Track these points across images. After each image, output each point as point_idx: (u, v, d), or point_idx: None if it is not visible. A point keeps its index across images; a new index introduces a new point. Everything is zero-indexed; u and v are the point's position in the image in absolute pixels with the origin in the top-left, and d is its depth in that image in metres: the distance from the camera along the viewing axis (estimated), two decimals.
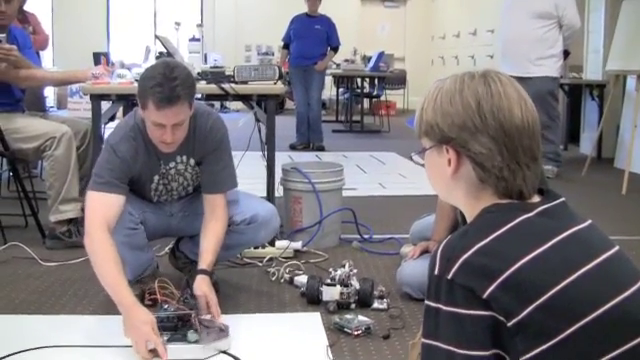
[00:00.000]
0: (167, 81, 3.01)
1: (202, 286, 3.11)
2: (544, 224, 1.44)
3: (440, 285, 1.38)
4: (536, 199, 1.51)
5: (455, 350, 1.36)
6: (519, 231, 1.41)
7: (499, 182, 1.48)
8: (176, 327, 2.91)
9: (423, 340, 1.43)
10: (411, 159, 1.71)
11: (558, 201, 1.51)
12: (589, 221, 1.51)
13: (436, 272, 1.39)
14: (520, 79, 5.54)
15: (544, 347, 1.34)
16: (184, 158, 3.42)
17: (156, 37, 4.96)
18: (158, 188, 3.45)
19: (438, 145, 1.54)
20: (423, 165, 1.64)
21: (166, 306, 2.99)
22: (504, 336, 1.34)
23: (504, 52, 7.42)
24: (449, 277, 1.37)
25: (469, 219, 1.54)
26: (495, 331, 1.34)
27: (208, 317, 3.02)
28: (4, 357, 2.87)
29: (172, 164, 3.40)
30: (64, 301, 3.57)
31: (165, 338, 2.88)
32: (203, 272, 3.18)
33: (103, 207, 3.16)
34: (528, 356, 1.34)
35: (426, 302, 1.42)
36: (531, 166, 1.49)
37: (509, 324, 1.34)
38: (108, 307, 3.43)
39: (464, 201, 1.56)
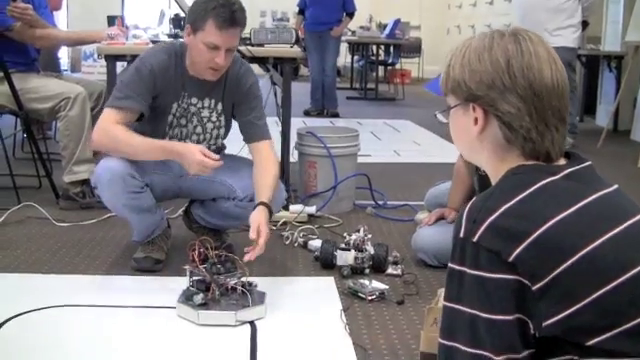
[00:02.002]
0: (228, 4, 3.16)
1: (259, 217, 3.10)
2: (571, 187, 1.41)
3: (465, 248, 1.35)
4: (562, 162, 1.48)
5: (478, 314, 1.33)
6: (545, 193, 1.38)
7: (526, 143, 1.44)
8: (208, 289, 2.90)
9: (445, 303, 1.40)
10: (435, 117, 1.67)
11: (585, 164, 1.48)
12: (615, 185, 1.48)
13: (461, 234, 1.36)
14: None
15: (568, 312, 1.31)
16: (212, 102, 3.43)
17: None
18: (173, 123, 3.42)
19: (464, 103, 1.50)
20: (447, 123, 1.61)
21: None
22: (528, 300, 1.32)
23: (521, 21, 7.33)
24: (475, 240, 1.33)
25: (493, 180, 1.50)
26: (519, 295, 1.31)
27: (252, 280, 3.00)
28: (16, 315, 2.87)
29: (194, 100, 3.40)
30: (77, 261, 3.57)
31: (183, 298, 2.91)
32: (263, 204, 3.16)
33: (116, 116, 3.21)
34: (552, 320, 1.31)
35: (450, 265, 1.39)
36: (559, 128, 1.46)
37: (534, 288, 1.31)
38: (120, 268, 3.46)
39: (488, 162, 1.52)
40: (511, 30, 1.48)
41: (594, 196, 1.40)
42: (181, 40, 3.42)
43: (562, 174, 1.42)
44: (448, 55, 1.55)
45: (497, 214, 1.34)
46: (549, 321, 1.32)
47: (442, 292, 2.48)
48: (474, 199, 1.41)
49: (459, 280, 1.36)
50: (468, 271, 1.35)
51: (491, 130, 1.47)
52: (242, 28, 3.26)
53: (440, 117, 1.64)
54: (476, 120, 1.48)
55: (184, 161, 3.18)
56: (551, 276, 1.30)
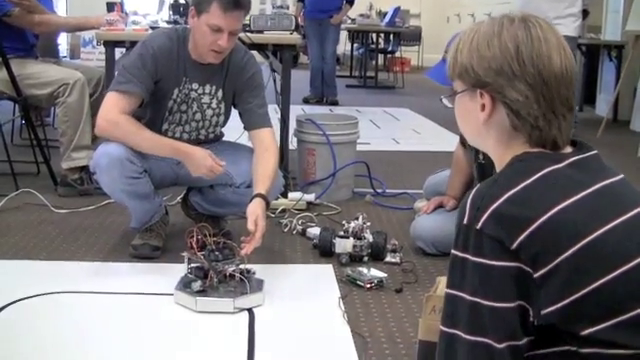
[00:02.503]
0: None
1: (257, 209, 3.08)
2: (575, 175, 1.40)
3: (468, 235, 1.35)
4: (568, 150, 1.47)
5: (480, 301, 1.33)
6: (549, 181, 1.37)
7: (533, 131, 1.43)
8: (206, 276, 2.89)
9: (447, 290, 1.40)
10: (440, 101, 1.66)
11: (590, 153, 1.46)
12: (621, 175, 1.47)
13: (465, 221, 1.36)
14: None
15: (568, 300, 1.31)
16: (213, 89, 3.42)
17: None
18: (173, 108, 3.40)
19: (472, 89, 1.48)
20: (452, 108, 1.60)
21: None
22: (529, 287, 1.31)
23: (522, 10, 7.30)
24: (478, 227, 1.33)
25: (498, 167, 1.50)
26: (521, 282, 1.31)
27: (250, 267, 3.00)
28: (14, 301, 2.87)
29: (195, 86, 3.39)
30: (75, 248, 3.56)
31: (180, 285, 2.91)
32: (260, 196, 3.15)
33: (120, 102, 3.21)
34: (551, 309, 1.31)
35: (453, 251, 1.39)
36: (567, 116, 1.44)
37: (535, 275, 1.30)
38: (118, 255, 3.45)
39: (494, 148, 1.52)
40: (521, 16, 1.46)
41: (598, 185, 1.39)
42: (184, 25, 3.40)
43: (567, 162, 1.41)
44: (456, 40, 1.54)
45: (500, 201, 1.33)
46: (548, 309, 1.31)
47: (441, 280, 2.48)
48: (478, 186, 1.40)
49: (462, 267, 1.36)
50: (471, 258, 1.34)
51: (498, 117, 1.46)
52: (246, 11, 3.27)
53: (446, 102, 1.63)
54: (483, 106, 1.47)
55: (192, 163, 3.21)
56: (553, 264, 1.30)
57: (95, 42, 12.98)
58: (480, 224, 1.33)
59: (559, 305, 1.31)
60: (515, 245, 1.30)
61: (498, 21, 1.47)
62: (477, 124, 1.50)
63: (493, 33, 1.45)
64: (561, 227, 1.31)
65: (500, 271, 1.31)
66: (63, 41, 12.73)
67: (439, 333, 1.41)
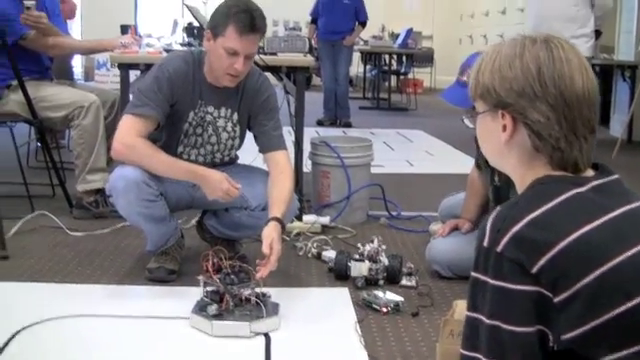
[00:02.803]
0: (250, 10, 3.18)
1: (272, 232, 3.06)
2: (597, 199, 1.39)
3: (489, 257, 1.34)
4: (590, 173, 1.46)
5: (500, 325, 1.32)
6: (571, 205, 1.36)
7: (554, 152, 1.43)
8: (222, 299, 2.88)
9: (467, 313, 1.39)
10: (462, 121, 1.66)
11: (613, 177, 1.45)
12: None
13: (485, 244, 1.35)
14: None
15: (588, 326, 1.29)
16: (228, 112, 3.43)
17: (185, 6, 4.90)
18: (189, 131, 3.40)
19: (493, 110, 1.48)
20: (471, 128, 1.59)
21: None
22: (549, 312, 1.30)
23: (535, 29, 7.30)
24: (498, 250, 1.32)
25: (519, 188, 1.49)
26: (541, 307, 1.30)
27: (265, 291, 2.98)
28: (29, 325, 2.85)
29: (211, 109, 3.39)
30: (90, 271, 3.55)
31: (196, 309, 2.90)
32: (276, 219, 3.13)
33: (137, 125, 3.21)
34: (571, 334, 1.30)
35: (473, 274, 1.38)
36: (588, 138, 1.44)
37: (555, 300, 1.29)
38: (134, 278, 3.45)
39: (515, 169, 1.51)
40: (543, 37, 1.46)
41: (621, 210, 1.38)
42: (200, 48, 3.41)
43: (589, 186, 1.40)
44: (477, 60, 1.54)
45: (521, 224, 1.32)
46: (568, 334, 1.30)
47: (457, 303, 2.46)
48: (499, 208, 1.40)
49: (481, 290, 1.35)
50: (490, 281, 1.33)
51: (519, 137, 1.46)
52: (262, 35, 3.28)
53: (467, 122, 1.63)
54: (505, 127, 1.47)
55: (208, 186, 3.20)
56: (574, 289, 1.29)
57: (109, 65, 13.08)
58: (500, 247, 1.32)
59: (579, 330, 1.29)
60: (535, 269, 1.29)
61: (520, 42, 1.47)
62: (498, 145, 1.50)
63: (515, 54, 1.45)
64: (583, 251, 1.30)
65: (520, 295, 1.30)
66: (77, 63, 12.86)
67: (459, 356, 1.40)
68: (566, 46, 1.45)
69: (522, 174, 1.49)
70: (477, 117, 1.55)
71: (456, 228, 3.62)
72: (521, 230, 1.32)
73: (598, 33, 7.19)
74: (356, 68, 13.76)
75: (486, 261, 1.34)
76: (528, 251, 1.30)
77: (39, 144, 5.94)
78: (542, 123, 1.42)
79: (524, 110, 1.43)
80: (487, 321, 1.33)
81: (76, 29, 13.38)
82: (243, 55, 3.18)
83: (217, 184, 3.17)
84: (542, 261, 1.29)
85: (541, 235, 1.31)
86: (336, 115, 9.90)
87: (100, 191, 4.48)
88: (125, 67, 4.43)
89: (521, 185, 1.48)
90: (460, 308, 2.41)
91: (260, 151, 3.47)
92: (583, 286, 1.29)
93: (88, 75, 13.35)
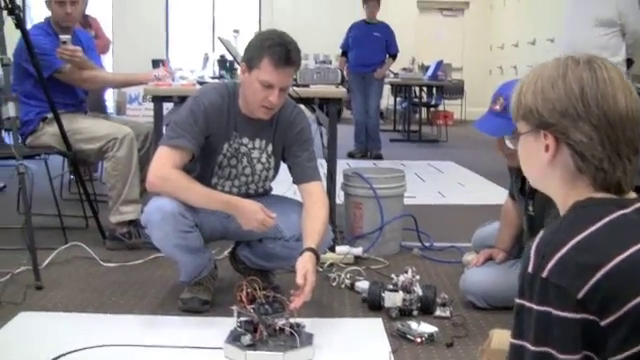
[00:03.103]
0: (285, 43, 3.19)
1: (307, 263, 3.05)
2: None
3: (534, 284, 1.32)
4: (632, 195, 1.45)
5: (546, 352, 1.30)
6: (615, 227, 1.35)
7: (597, 173, 1.42)
8: (255, 329, 2.88)
9: (512, 340, 1.37)
10: (504, 143, 1.66)
11: None
12: None
13: (530, 270, 1.34)
14: None
15: (637, 349, 1.27)
16: (262, 143, 3.44)
17: (219, 39, 4.93)
18: (223, 163, 3.41)
19: (536, 130, 1.48)
20: (514, 150, 1.59)
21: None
22: (596, 337, 1.28)
23: None
24: (543, 275, 1.31)
25: (561, 210, 1.48)
26: (587, 333, 1.28)
27: (299, 321, 2.98)
28: (64, 354, 2.86)
29: (245, 140, 3.40)
30: (123, 301, 3.57)
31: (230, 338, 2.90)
32: (311, 250, 3.12)
33: (172, 157, 3.22)
34: (619, 357, 1.28)
35: (517, 301, 1.36)
36: (632, 159, 1.43)
37: (602, 323, 1.27)
38: (167, 308, 3.45)
39: (558, 190, 1.50)
40: (586, 58, 1.46)
41: None
42: (233, 80, 3.42)
43: (633, 207, 1.39)
44: (518, 82, 1.54)
45: (566, 249, 1.31)
46: (615, 358, 1.28)
47: (494, 333, 2.43)
48: (542, 233, 1.39)
49: (527, 317, 1.34)
50: (535, 307, 1.32)
51: (562, 158, 1.45)
52: (297, 67, 3.29)
53: (509, 143, 1.62)
54: (547, 147, 1.47)
55: (243, 216, 3.20)
56: (620, 312, 1.27)
57: (141, 99, 13.24)
58: (546, 272, 1.31)
59: (626, 354, 1.28)
60: (581, 294, 1.28)
61: (563, 63, 1.47)
62: (541, 165, 1.49)
63: (558, 75, 1.45)
64: (629, 274, 1.29)
65: (566, 322, 1.29)
66: (109, 97, 12.99)
67: None
68: (609, 66, 1.44)
69: (565, 195, 1.48)
70: (519, 138, 1.55)
71: (490, 258, 3.59)
72: (566, 254, 1.30)
73: (630, 62, 7.16)
74: (386, 100, 13.79)
75: (531, 287, 1.33)
76: (573, 276, 1.29)
77: (72, 177, 6.01)
78: (585, 143, 1.41)
79: (567, 130, 1.42)
80: (532, 348, 1.32)
81: (108, 63, 13.51)
82: (278, 88, 3.20)
83: (252, 214, 3.17)
84: (588, 285, 1.27)
85: (586, 259, 1.29)
86: (367, 147, 9.91)
87: (133, 222, 4.50)
88: (159, 100, 4.47)
89: (563, 206, 1.47)
90: (497, 337, 2.39)
91: (294, 182, 3.47)
92: (630, 308, 1.27)
93: (120, 109, 13.49)
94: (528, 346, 1.32)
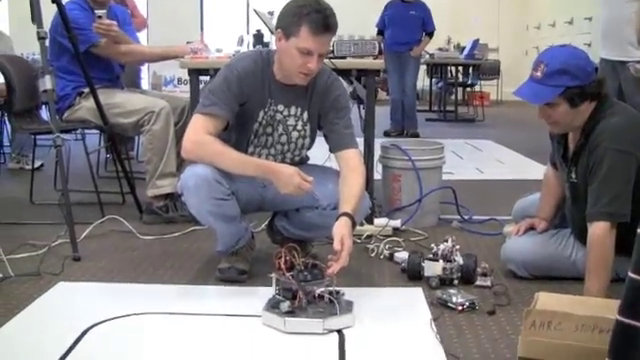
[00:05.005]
0: (322, 9, 3.13)
1: (343, 228, 3.02)
2: None
3: None
4: None
5: None
6: None
7: None
8: (294, 296, 2.85)
9: (620, 318, 1.29)
10: (628, 69, 1.59)
11: None
12: None
13: None
14: (620, 62, 5.27)
15: None
16: (298, 110, 3.39)
17: (254, 11, 4.90)
18: (259, 131, 3.37)
19: None
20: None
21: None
22: None
23: (604, 35, 7.15)
24: None
25: None
26: None
27: (339, 289, 2.94)
28: (101, 322, 2.87)
29: (281, 107, 3.36)
30: (161, 272, 3.56)
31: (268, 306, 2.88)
32: (346, 215, 3.09)
33: (206, 124, 3.19)
34: None
35: (632, 276, 1.29)
36: None
37: None
38: (204, 279, 3.45)
39: None
40: None
41: None
42: (268, 48, 3.37)
43: None
44: None
45: None
46: None
47: (539, 295, 2.39)
48: None
49: None
50: None
51: None
52: (334, 34, 3.23)
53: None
54: None
55: (280, 181, 3.15)
56: None
57: (176, 81, 13.25)
58: None
59: None
60: None
61: None
62: None
63: None
64: None
65: None
66: (144, 82, 13.04)
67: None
68: None
69: None
70: None
71: (532, 228, 3.53)
72: None
73: None
74: (422, 82, 13.68)
75: None
76: None
77: (108, 155, 6.03)
78: None
79: None
80: None
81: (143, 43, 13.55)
82: (317, 54, 3.15)
83: (289, 178, 3.12)
84: None
85: None
86: (403, 126, 9.84)
87: (170, 196, 4.49)
88: (195, 73, 4.44)
89: None
90: (543, 299, 2.35)
91: (330, 150, 3.42)
92: None
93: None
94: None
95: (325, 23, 3.11)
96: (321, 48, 3.16)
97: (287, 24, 3.16)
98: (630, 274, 1.27)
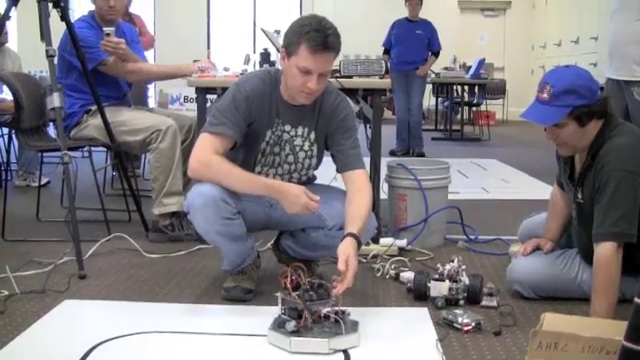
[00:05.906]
0: (322, 28, 3.12)
1: (348, 249, 3.01)
2: None
3: None
4: None
5: None
6: None
7: None
8: (300, 316, 2.84)
9: (627, 344, 1.29)
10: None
11: None
12: None
13: None
14: (625, 82, 5.23)
15: None
16: (305, 131, 3.39)
17: (261, 30, 4.92)
18: (266, 151, 3.38)
19: None
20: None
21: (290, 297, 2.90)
22: None
23: (610, 54, 7.16)
24: None
25: None
26: None
27: (344, 308, 2.93)
28: (106, 340, 2.86)
29: (288, 127, 3.36)
30: (167, 290, 3.55)
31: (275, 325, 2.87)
32: (352, 235, 3.08)
33: (213, 143, 3.20)
34: None
35: (637, 300, 1.28)
36: None
37: None
38: (210, 297, 3.44)
39: None
40: None
41: None
42: (276, 67, 3.38)
43: None
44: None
45: None
46: None
47: (546, 316, 2.38)
48: None
49: None
50: None
51: None
52: (336, 53, 3.21)
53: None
54: None
55: (286, 200, 3.15)
56: None
57: (182, 99, 13.28)
58: None
59: None
60: None
61: None
62: None
63: None
64: None
65: None
66: (151, 100, 13.08)
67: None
68: None
69: None
70: None
71: (538, 248, 3.53)
72: None
73: None
74: (427, 101, 13.70)
75: None
76: None
77: (114, 173, 6.04)
78: None
79: None
80: None
81: (149, 59, 13.60)
82: (317, 73, 3.15)
83: (295, 198, 3.13)
84: None
85: None
86: (409, 145, 9.87)
87: (176, 214, 4.50)
88: (202, 91, 4.46)
89: None
90: (549, 320, 2.34)
91: (337, 170, 3.43)
92: None
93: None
94: None
95: (324, 42, 3.11)
96: (321, 67, 3.15)
97: (289, 43, 3.17)
98: (636, 299, 1.26)
